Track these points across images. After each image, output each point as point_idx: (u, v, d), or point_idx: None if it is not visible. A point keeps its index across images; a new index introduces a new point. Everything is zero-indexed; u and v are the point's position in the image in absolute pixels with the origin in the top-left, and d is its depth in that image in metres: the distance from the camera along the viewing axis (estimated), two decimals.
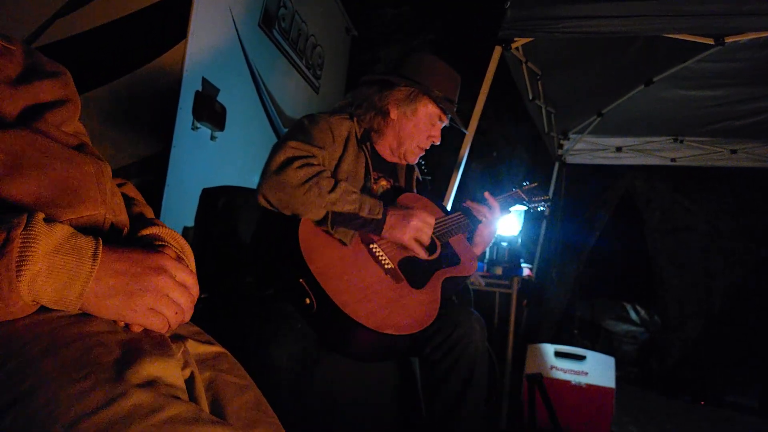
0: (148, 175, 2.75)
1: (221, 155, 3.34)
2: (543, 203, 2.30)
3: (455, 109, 2.05)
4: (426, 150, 2.09)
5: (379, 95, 1.99)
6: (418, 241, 1.80)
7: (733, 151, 5.12)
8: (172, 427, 0.60)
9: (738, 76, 3.78)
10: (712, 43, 2.92)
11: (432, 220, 1.82)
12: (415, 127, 2.01)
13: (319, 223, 1.68)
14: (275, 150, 1.71)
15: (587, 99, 4.80)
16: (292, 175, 1.63)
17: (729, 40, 2.87)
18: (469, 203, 2.09)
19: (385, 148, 2.06)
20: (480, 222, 2.07)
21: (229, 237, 2.16)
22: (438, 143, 2.08)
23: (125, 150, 2.76)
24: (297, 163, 1.65)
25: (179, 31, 2.83)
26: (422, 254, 1.81)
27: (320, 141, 1.82)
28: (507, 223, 3.94)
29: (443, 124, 2.07)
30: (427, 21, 6.41)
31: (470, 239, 2.11)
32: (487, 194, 2.11)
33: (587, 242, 5.94)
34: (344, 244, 1.71)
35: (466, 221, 2.06)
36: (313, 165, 1.69)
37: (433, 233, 1.91)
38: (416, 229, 1.77)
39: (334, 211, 1.66)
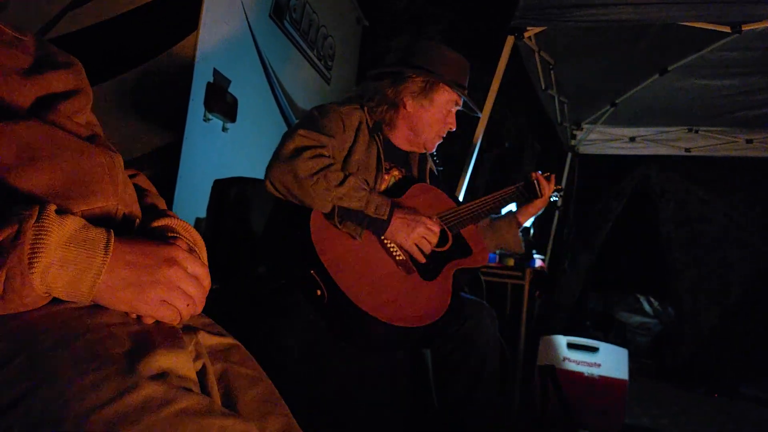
0: (161, 167, 2.76)
1: (233, 146, 3.34)
2: (555, 194, 2.29)
3: (467, 94, 2.04)
4: (443, 137, 2.09)
5: (393, 88, 1.98)
6: (419, 247, 1.79)
7: (749, 141, 5.06)
8: (184, 419, 0.59)
9: (754, 64, 3.72)
10: (729, 31, 2.88)
11: (437, 229, 1.82)
12: (433, 117, 2.00)
13: (328, 216, 1.67)
14: (285, 138, 1.71)
15: (601, 89, 4.75)
16: (302, 165, 1.62)
17: (746, 28, 2.83)
18: (537, 175, 2.17)
19: (401, 138, 2.05)
20: (538, 197, 2.15)
21: (241, 228, 2.17)
22: (454, 129, 2.07)
23: (137, 141, 2.77)
24: (307, 153, 1.65)
25: (190, 23, 2.83)
26: (421, 259, 1.79)
27: (330, 130, 1.81)
28: None
29: (457, 109, 2.06)
30: (438, 10, 6.36)
31: (519, 206, 2.22)
32: (552, 176, 2.21)
33: (600, 233, 5.91)
34: (354, 238, 1.70)
35: (521, 192, 2.17)
36: (323, 156, 1.68)
37: (445, 224, 1.91)
38: (420, 236, 1.77)
39: (340, 206, 1.65)
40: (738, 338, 5.27)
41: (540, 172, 2.25)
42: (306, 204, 1.65)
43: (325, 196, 1.63)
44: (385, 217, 1.73)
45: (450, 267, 1.84)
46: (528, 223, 4.03)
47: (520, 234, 2.25)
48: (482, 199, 2.09)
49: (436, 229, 1.81)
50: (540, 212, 2.25)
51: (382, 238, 1.77)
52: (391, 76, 2.01)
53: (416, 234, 1.76)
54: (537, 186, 2.14)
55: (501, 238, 2.22)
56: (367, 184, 1.80)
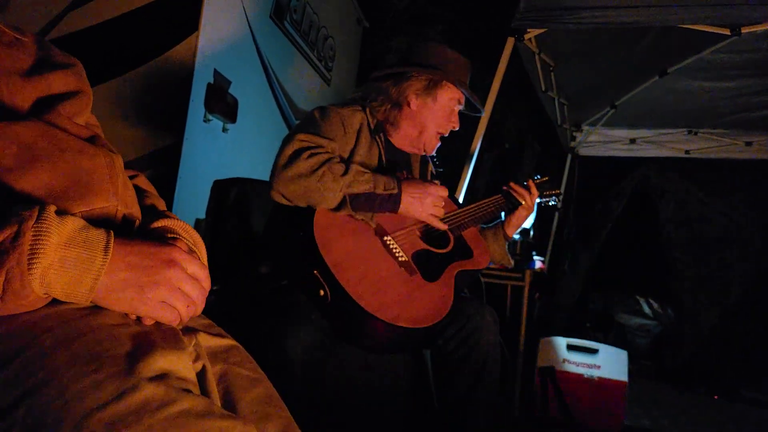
0: (161, 167, 2.76)
1: (233, 147, 3.34)
2: (554, 197, 2.29)
3: (470, 91, 2.05)
4: (444, 137, 2.09)
5: (397, 88, 1.98)
6: (434, 215, 1.85)
7: (749, 143, 5.07)
8: (184, 420, 0.59)
9: (754, 67, 3.73)
10: (728, 33, 2.88)
11: (445, 193, 1.87)
12: (436, 115, 2.00)
13: (338, 208, 1.67)
14: (285, 143, 1.71)
15: (601, 90, 4.76)
16: (303, 165, 1.62)
17: (746, 30, 2.83)
18: (511, 184, 2.16)
19: (403, 139, 2.05)
20: (520, 204, 2.13)
21: (241, 228, 2.17)
22: (458, 128, 2.08)
23: (137, 142, 2.77)
24: (305, 154, 1.65)
25: (191, 23, 2.83)
26: (441, 225, 1.86)
27: (330, 133, 1.81)
28: None
29: (459, 108, 2.06)
30: (438, 10, 6.37)
31: (505, 216, 2.19)
32: (530, 181, 2.18)
33: (600, 233, 5.91)
34: (369, 224, 1.73)
35: (502, 202, 2.15)
36: (321, 153, 1.68)
37: (446, 226, 1.91)
38: (432, 205, 1.83)
39: (351, 193, 1.66)
40: (738, 338, 5.27)
41: (538, 176, 2.26)
42: (315, 202, 1.65)
43: (334, 187, 1.63)
44: (396, 191, 1.75)
45: (451, 268, 1.84)
46: (528, 225, 4.04)
47: (507, 246, 2.24)
48: (482, 201, 2.10)
49: (444, 193, 1.87)
50: (528, 220, 2.25)
51: (385, 239, 1.76)
52: (394, 76, 2.01)
53: (428, 204, 1.82)
54: (514, 196, 2.15)
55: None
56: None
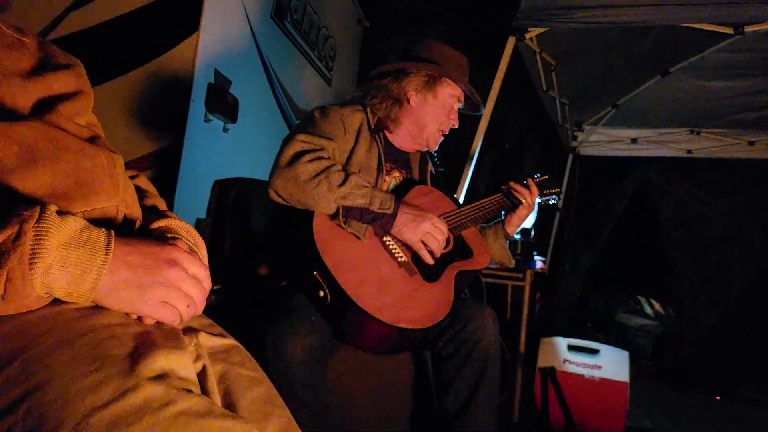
0: (161, 167, 2.76)
1: (234, 147, 3.34)
2: (554, 195, 2.28)
3: (469, 87, 2.05)
4: (444, 135, 2.08)
5: (397, 84, 1.98)
6: (425, 244, 1.78)
7: (751, 143, 5.06)
8: (184, 420, 0.60)
9: (757, 66, 3.72)
10: (731, 32, 2.88)
11: (444, 228, 1.81)
12: (436, 111, 2.00)
13: (332, 217, 1.67)
14: (285, 143, 1.71)
15: (602, 90, 4.75)
16: (302, 170, 1.62)
17: (749, 29, 2.83)
18: (511, 184, 2.12)
19: (404, 136, 2.05)
20: (520, 203, 2.10)
21: (241, 228, 2.17)
22: (457, 126, 2.07)
23: (138, 142, 2.77)
24: (307, 157, 1.65)
25: (192, 23, 2.83)
26: (428, 259, 1.78)
27: (331, 133, 1.81)
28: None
29: (459, 106, 2.06)
30: (438, 10, 6.36)
31: (505, 215, 2.15)
32: (530, 180, 2.14)
33: (602, 233, 5.90)
34: (358, 238, 1.70)
35: (503, 201, 2.09)
36: (323, 159, 1.68)
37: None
38: (426, 231, 1.77)
39: (344, 205, 1.66)
40: (738, 338, 5.26)
41: (538, 174, 2.25)
42: (310, 208, 1.65)
43: (328, 197, 1.63)
44: (391, 211, 1.73)
45: (451, 269, 1.83)
46: (528, 225, 4.03)
47: (508, 244, 2.22)
48: (482, 201, 2.09)
49: (444, 227, 1.81)
50: (529, 219, 2.22)
51: (384, 239, 1.76)
52: (393, 73, 2.01)
53: (422, 229, 1.76)
54: (514, 195, 2.11)
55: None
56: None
